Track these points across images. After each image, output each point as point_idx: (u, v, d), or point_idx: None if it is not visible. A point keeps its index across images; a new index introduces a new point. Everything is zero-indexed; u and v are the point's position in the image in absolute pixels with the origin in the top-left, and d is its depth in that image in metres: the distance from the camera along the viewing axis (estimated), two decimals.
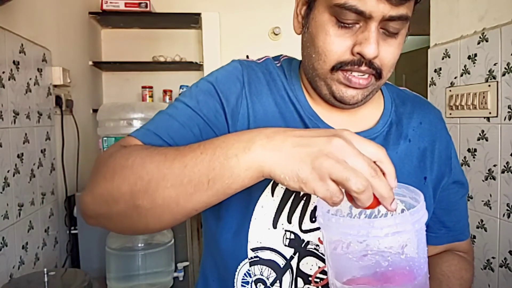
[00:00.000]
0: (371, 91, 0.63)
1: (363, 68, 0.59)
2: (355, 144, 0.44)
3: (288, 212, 0.64)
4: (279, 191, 0.65)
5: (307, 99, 0.69)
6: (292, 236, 0.65)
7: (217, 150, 0.47)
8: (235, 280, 0.67)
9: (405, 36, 0.62)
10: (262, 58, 0.74)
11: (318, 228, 0.65)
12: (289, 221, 0.64)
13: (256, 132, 0.48)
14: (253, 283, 0.66)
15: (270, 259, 0.65)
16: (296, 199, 0.65)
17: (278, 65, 0.73)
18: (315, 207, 0.65)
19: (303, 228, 0.65)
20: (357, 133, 0.67)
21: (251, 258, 0.65)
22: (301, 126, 0.67)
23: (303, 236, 0.65)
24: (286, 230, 0.64)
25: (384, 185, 0.43)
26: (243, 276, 0.67)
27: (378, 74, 0.60)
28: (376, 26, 0.56)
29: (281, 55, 0.76)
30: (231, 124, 0.65)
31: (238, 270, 0.67)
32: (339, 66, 0.59)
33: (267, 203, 0.64)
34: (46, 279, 1.10)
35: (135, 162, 0.51)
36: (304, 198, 0.65)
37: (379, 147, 0.46)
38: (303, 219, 0.65)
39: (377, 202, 0.44)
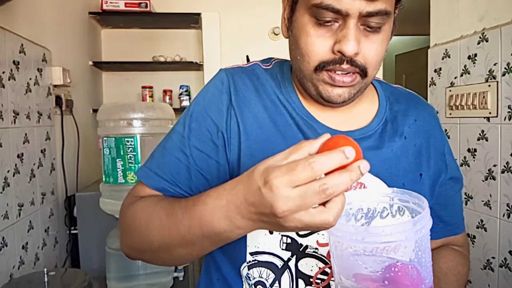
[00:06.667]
0: (358, 89, 0.63)
1: (345, 66, 0.59)
2: (290, 176, 0.41)
3: None
4: None
5: (301, 100, 0.69)
6: (289, 241, 0.65)
7: (203, 228, 0.51)
8: (243, 280, 0.68)
9: (390, 33, 0.62)
10: (250, 63, 0.74)
11: (314, 232, 0.65)
12: None
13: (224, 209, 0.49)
14: (253, 286, 0.66)
15: (268, 261, 0.65)
16: None
17: (269, 67, 0.72)
18: None
19: (300, 232, 0.65)
20: (352, 131, 0.68)
21: (249, 262, 0.66)
22: (294, 128, 0.67)
23: (300, 240, 0.65)
24: (282, 235, 0.65)
25: (340, 182, 0.40)
26: (244, 279, 0.67)
27: (363, 72, 0.60)
28: (354, 23, 0.56)
29: (272, 58, 0.76)
30: (226, 138, 0.66)
31: (241, 271, 0.67)
32: (322, 66, 0.60)
33: None
34: (46, 279, 1.10)
35: (141, 226, 0.60)
36: None
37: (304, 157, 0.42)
38: None
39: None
